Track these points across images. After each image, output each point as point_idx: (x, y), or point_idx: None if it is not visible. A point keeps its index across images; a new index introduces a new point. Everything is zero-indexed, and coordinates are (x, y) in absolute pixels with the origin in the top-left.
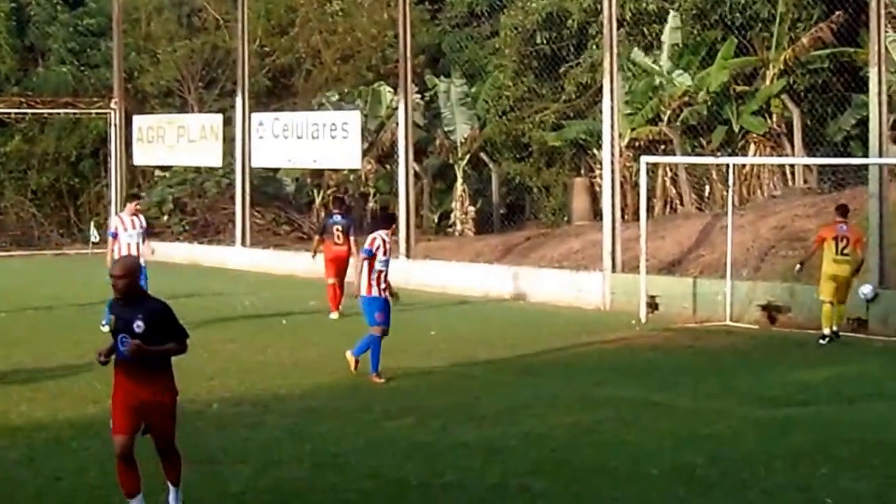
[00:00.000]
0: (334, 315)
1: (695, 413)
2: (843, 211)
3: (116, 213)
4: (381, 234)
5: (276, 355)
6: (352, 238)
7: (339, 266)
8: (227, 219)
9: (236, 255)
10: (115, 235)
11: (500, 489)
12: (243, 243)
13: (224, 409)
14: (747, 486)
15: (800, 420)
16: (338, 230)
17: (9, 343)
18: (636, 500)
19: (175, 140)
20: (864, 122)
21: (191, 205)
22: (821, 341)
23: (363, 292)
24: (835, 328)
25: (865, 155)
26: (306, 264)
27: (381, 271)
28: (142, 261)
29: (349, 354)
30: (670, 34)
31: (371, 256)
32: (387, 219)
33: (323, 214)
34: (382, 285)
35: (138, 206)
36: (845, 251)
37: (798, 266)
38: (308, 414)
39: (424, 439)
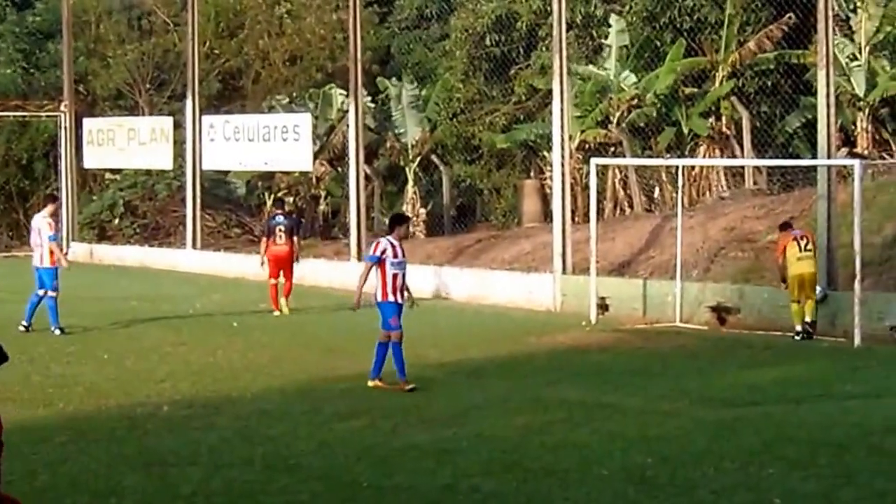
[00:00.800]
0: (277, 313)
1: (644, 414)
2: (787, 224)
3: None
4: (386, 238)
5: (227, 357)
6: (295, 238)
7: (280, 265)
8: (177, 221)
9: (187, 258)
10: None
11: (451, 490)
12: (194, 246)
13: (175, 411)
14: (696, 487)
15: (748, 420)
16: (280, 230)
17: None
18: (586, 501)
19: (126, 143)
20: (810, 124)
21: (142, 207)
22: (795, 337)
23: (378, 298)
24: (808, 320)
25: (812, 156)
26: (257, 267)
27: (395, 275)
28: (61, 263)
29: (372, 383)
30: (616, 37)
31: (377, 262)
32: (393, 221)
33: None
34: (398, 290)
35: (54, 208)
36: (808, 247)
37: (783, 286)
38: (259, 416)
39: (375, 441)
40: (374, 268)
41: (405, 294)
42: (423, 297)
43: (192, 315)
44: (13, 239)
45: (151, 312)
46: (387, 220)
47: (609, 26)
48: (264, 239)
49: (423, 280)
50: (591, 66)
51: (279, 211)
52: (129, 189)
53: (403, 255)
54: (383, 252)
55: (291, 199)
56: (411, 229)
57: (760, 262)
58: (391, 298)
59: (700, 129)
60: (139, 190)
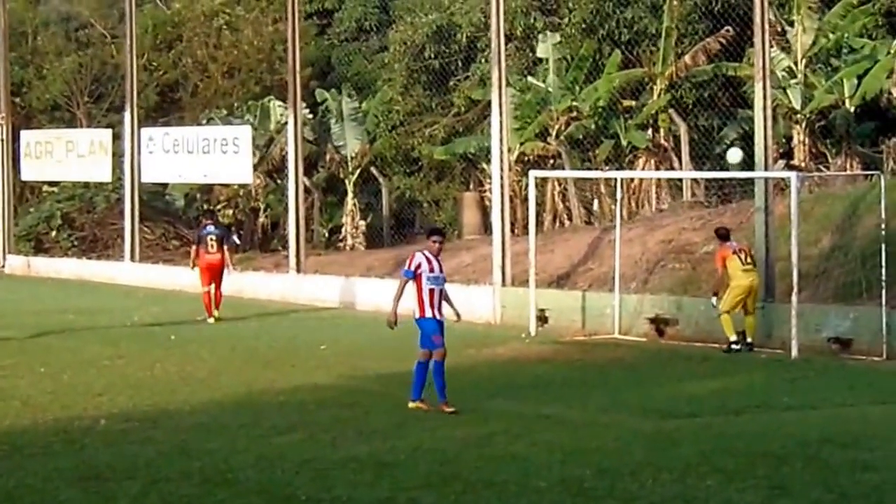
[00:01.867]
0: (211, 320)
1: (583, 426)
2: (724, 234)
3: None
4: (421, 252)
5: (165, 371)
6: (226, 247)
7: (213, 274)
8: (116, 234)
9: (125, 271)
10: None
11: (390, 503)
12: (132, 258)
13: (112, 424)
14: (635, 498)
15: (687, 432)
16: (212, 240)
17: None
18: None
19: (64, 155)
20: (748, 136)
21: (80, 220)
22: (734, 346)
23: (416, 315)
24: (749, 340)
25: (749, 168)
26: (196, 279)
27: (431, 290)
28: None
29: (413, 405)
30: (553, 50)
31: (413, 277)
32: (429, 233)
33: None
34: (437, 305)
35: None
36: (748, 260)
37: (713, 298)
38: (197, 429)
39: (314, 454)
40: (409, 283)
41: (449, 309)
42: (364, 309)
43: (130, 328)
44: None
45: (89, 325)
46: (326, 233)
47: (546, 39)
48: (195, 247)
49: (363, 292)
50: (530, 78)
51: (210, 221)
52: (66, 201)
53: (441, 270)
54: (418, 266)
55: (231, 212)
56: (350, 241)
57: (698, 274)
58: (429, 314)
59: (638, 141)
60: (77, 202)
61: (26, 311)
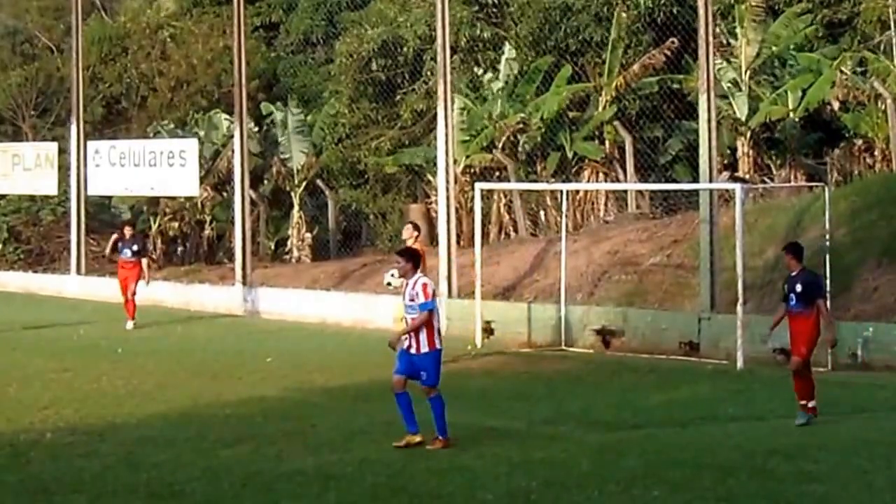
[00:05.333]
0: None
1: (529, 437)
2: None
3: None
4: (423, 278)
5: (112, 384)
6: (143, 259)
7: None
8: (62, 247)
9: (72, 284)
10: None
11: None
12: (79, 271)
13: (58, 438)
14: None
15: (633, 443)
16: (128, 251)
17: None
18: None
19: (10, 168)
20: (692, 148)
21: (26, 233)
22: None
23: (425, 348)
24: None
25: (693, 179)
26: (142, 292)
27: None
28: None
29: (438, 443)
30: (505, 64)
31: (433, 309)
32: (416, 256)
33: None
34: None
35: None
36: None
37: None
38: (144, 443)
39: (260, 467)
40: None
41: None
42: (310, 321)
43: (76, 341)
44: None
45: (35, 339)
46: (272, 246)
47: (494, 49)
48: (110, 252)
49: (308, 305)
50: (476, 91)
51: (130, 231)
52: (12, 214)
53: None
54: (432, 294)
55: (176, 224)
56: (297, 253)
57: (644, 286)
58: (438, 345)
59: (589, 152)
60: (23, 215)
61: None
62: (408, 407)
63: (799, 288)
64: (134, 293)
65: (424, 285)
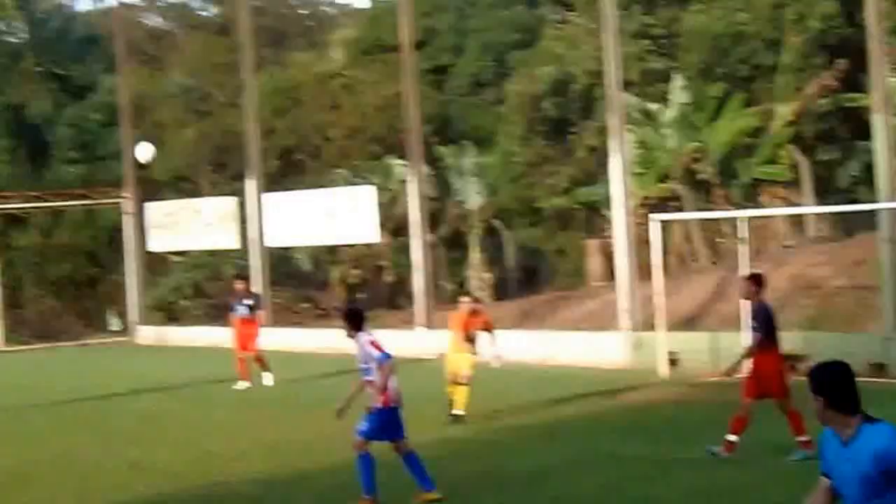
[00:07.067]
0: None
1: (720, 466)
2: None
3: None
4: (364, 335)
5: (299, 432)
6: (258, 313)
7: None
8: None
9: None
10: None
11: None
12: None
13: (250, 489)
14: None
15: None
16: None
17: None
18: None
19: (190, 224)
20: (871, 168)
21: (208, 288)
22: None
23: (380, 403)
24: None
25: (873, 200)
26: (319, 342)
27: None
28: None
29: (430, 495)
30: (676, 94)
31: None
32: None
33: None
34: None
35: None
36: None
37: None
38: (335, 490)
39: None
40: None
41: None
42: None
43: (263, 393)
44: (85, 327)
45: (222, 392)
46: (452, 288)
47: (665, 81)
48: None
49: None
50: (649, 122)
51: (242, 285)
52: (195, 270)
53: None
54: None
55: (356, 271)
56: (476, 294)
57: (826, 309)
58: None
59: (768, 175)
60: (206, 270)
61: (156, 380)
62: (417, 465)
63: None
64: (255, 350)
65: (371, 342)
